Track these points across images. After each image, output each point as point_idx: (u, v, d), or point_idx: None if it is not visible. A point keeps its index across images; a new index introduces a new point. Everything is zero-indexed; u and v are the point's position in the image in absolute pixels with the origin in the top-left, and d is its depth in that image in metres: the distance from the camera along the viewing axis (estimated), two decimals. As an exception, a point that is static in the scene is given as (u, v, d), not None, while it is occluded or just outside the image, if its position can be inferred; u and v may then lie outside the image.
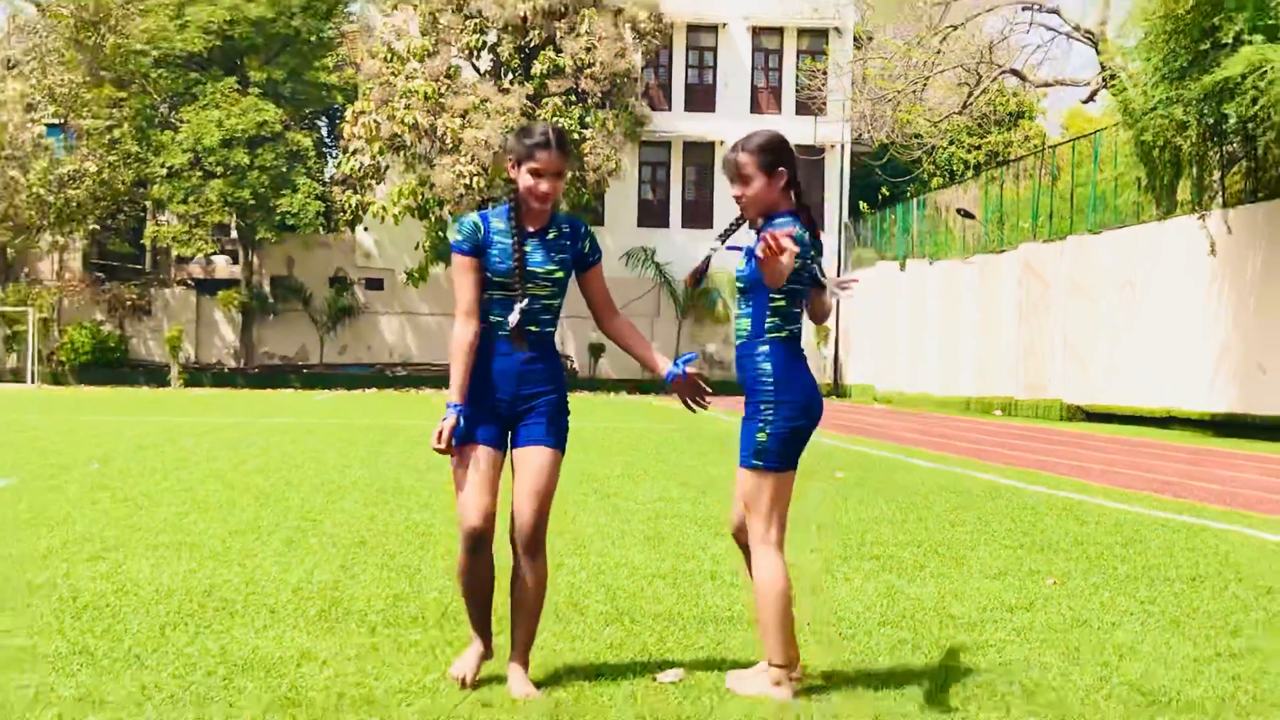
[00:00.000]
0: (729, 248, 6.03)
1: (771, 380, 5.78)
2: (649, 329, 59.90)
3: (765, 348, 5.79)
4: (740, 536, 5.96)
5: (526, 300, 5.69)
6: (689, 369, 5.85)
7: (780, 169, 5.83)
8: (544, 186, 5.68)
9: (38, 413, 30.10)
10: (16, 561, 8.62)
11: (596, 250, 5.95)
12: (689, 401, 5.91)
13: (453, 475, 5.77)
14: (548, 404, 5.82)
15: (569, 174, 5.77)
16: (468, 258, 5.72)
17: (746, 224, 6.01)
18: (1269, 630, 7.12)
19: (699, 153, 59.88)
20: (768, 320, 5.81)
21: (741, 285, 5.87)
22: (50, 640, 6.33)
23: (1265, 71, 24.97)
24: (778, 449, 5.74)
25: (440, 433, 5.59)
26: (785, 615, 5.65)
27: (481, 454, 5.73)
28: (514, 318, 5.67)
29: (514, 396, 5.76)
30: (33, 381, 56.98)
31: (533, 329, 5.77)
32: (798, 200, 5.92)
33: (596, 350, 57.62)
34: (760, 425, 5.78)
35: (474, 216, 5.78)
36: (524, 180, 5.69)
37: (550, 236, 5.82)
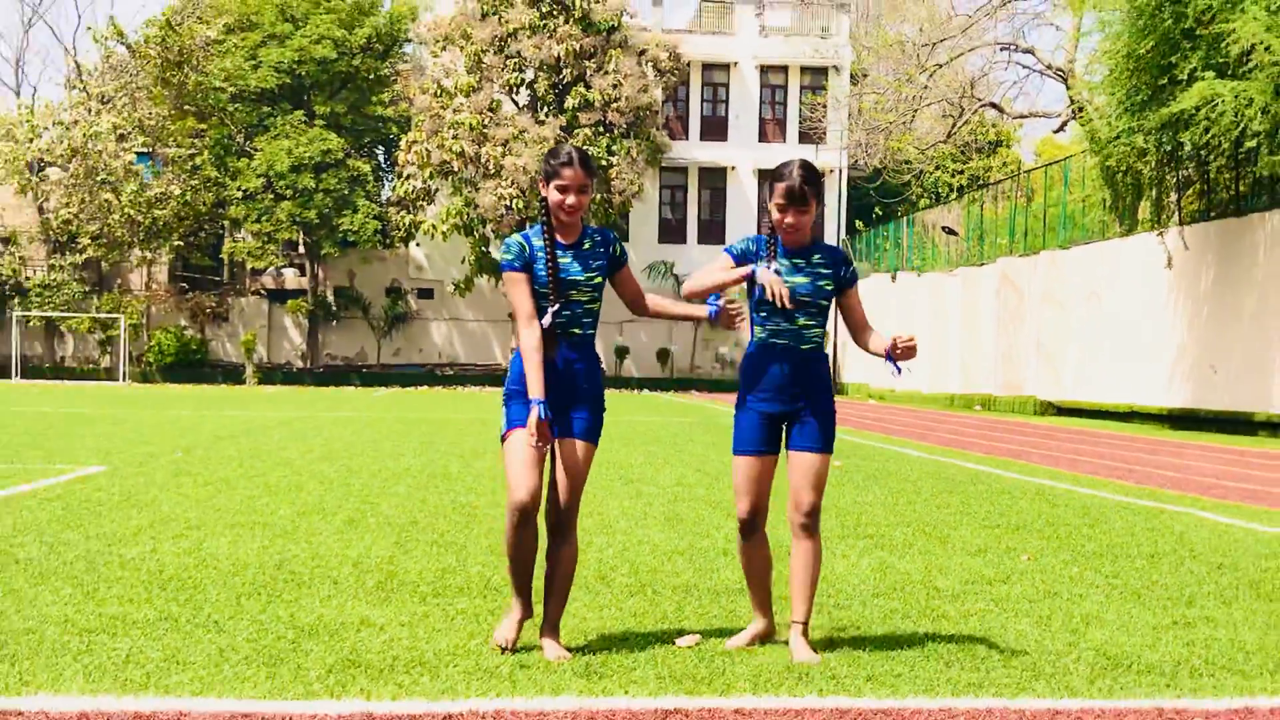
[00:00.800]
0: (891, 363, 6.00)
1: (830, 383, 5.90)
2: (668, 333, 59.95)
3: (826, 355, 5.90)
4: (797, 518, 5.89)
5: (558, 305, 5.68)
6: (720, 303, 5.83)
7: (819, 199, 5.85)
8: (570, 200, 5.65)
9: (128, 407, 30.19)
10: (110, 539, 8.64)
11: (625, 253, 5.96)
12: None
13: (505, 457, 5.78)
14: (587, 400, 5.82)
15: (593, 190, 5.76)
16: (518, 273, 5.70)
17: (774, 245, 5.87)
18: (1220, 601, 7.10)
19: (713, 177, 59.93)
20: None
21: (809, 299, 5.79)
22: (140, 608, 6.35)
23: (1216, 104, 24.90)
24: None
25: (532, 426, 5.60)
26: None
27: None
28: (546, 320, 5.68)
29: (558, 391, 5.75)
30: (124, 380, 57.20)
31: (575, 331, 5.76)
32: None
33: (622, 352, 57.65)
34: (832, 420, 5.90)
35: (518, 237, 5.77)
36: (553, 195, 5.68)
37: (585, 247, 5.79)
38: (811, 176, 5.72)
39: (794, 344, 5.82)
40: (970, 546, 9.05)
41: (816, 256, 5.83)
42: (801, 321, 5.81)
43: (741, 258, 5.86)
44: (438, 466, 14.86)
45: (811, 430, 5.87)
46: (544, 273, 5.68)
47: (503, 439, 5.83)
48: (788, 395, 5.86)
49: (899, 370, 6.06)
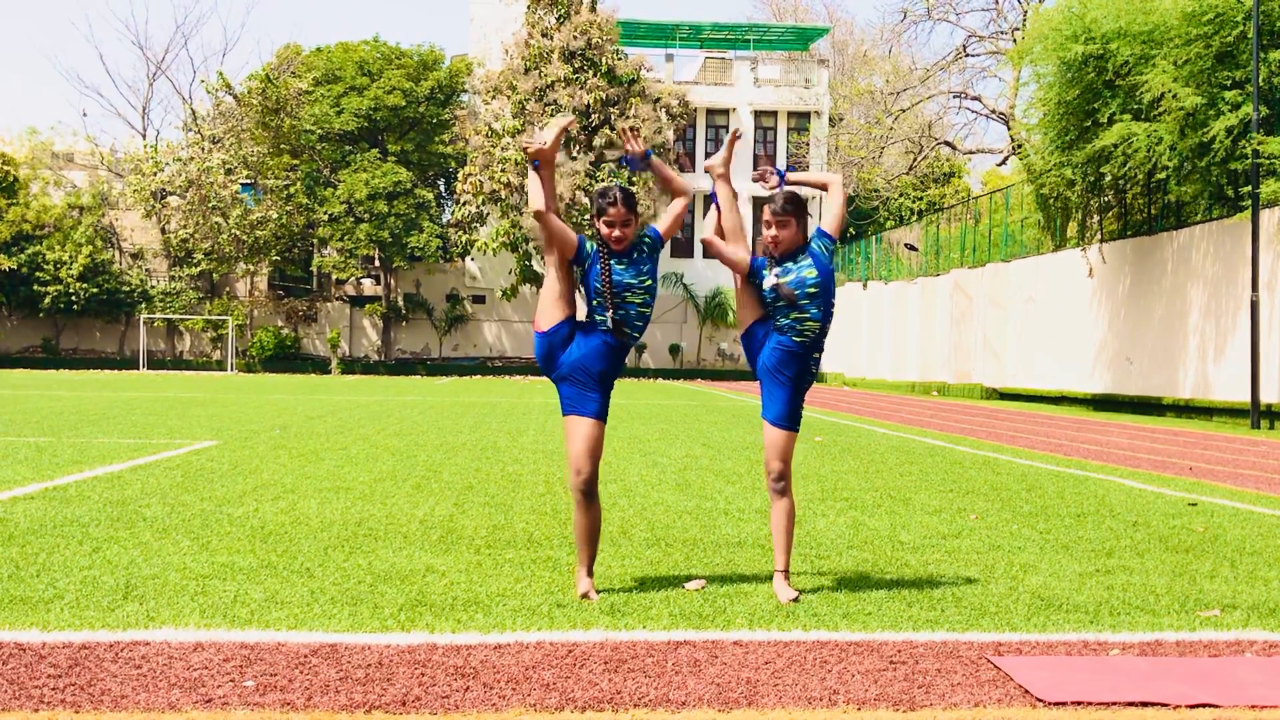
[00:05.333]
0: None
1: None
2: (678, 332, 59.96)
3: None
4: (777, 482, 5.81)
5: (613, 309, 5.63)
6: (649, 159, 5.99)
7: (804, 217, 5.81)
8: (615, 233, 5.63)
9: (234, 393, 30.29)
10: (220, 501, 8.68)
11: (653, 232, 5.82)
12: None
13: (566, 442, 5.71)
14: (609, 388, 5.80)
15: (637, 221, 5.71)
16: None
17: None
18: (1134, 553, 7.08)
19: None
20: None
21: (815, 290, 5.67)
22: (245, 558, 6.37)
23: (1132, 142, 24.86)
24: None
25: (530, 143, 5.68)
26: None
27: (588, 425, 5.65)
28: (610, 322, 5.66)
29: (606, 375, 5.70)
30: (230, 370, 57.38)
31: (625, 330, 5.67)
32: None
33: (639, 347, 57.58)
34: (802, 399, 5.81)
35: (590, 244, 5.72)
36: (602, 229, 5.64)
37: (634, 256, 5.69)
38: (790, 201, 5.74)
39: (792, 333, 5.73)
40: (928, 508, 9.04)
41: (802, 256, 5.75)
42: (795, 315, 5.69)
43: (755, 268, 5.82)
44: (489, 441, 14.88)
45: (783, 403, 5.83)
46: (597, 282, 5.63)
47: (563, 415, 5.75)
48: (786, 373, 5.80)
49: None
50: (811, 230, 5.85)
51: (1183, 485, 11.10)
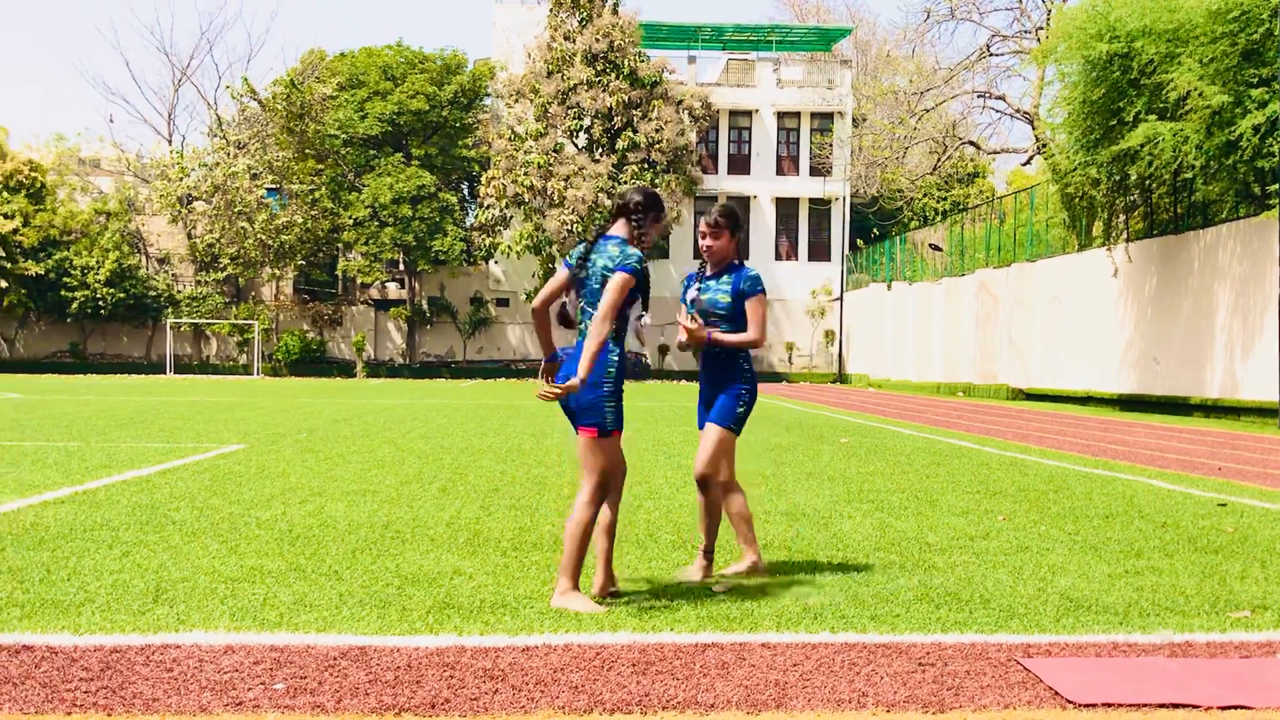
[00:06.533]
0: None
1: (750, 374, 6.18)
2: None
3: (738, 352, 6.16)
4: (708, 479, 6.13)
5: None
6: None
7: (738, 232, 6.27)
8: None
9: (261, 396, 30.43)
10: (248, 504, 8.72)
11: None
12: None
13: (608, 452, 5.62)
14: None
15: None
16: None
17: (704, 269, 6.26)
18: (1163, 554, 7.04)
19: (738, 205, 59.75)
20: None
21: (710, 309, 6.09)
22: (273, 561, 6.40)
23: (1158, 142, 24.71)
24: (745, 419, 6.17)
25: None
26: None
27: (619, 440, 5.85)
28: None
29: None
30: (257, 374, 57.64)
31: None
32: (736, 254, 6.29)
33: (664, 350, 57.57)
34: (740, 402, 6.11)
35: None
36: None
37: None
38: (725, 214, 6.15)
39: (709, 346, 6.10)
40: (955, 509, 9.01)
41: (725, 277, 6.16)
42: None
43: (684, 291, 6.34)
44: (514, 444, 14.91)
45: (716, 409, 6.13)
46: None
47: (608, 433, 5.50)
48: (709, 383, 6.19)
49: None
50: (748, 274, 6.16)
51: (1211, 485, 11.03)
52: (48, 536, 7.09)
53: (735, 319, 6.06)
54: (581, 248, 5.79)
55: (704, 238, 6.13)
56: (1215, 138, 23.96)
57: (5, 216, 56.16)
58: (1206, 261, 26.71)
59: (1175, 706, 4.00)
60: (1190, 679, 4.28)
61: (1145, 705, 4.00)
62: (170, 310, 59.27)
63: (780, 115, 60.22)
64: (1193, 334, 27.06)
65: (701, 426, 6.19)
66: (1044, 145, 38.22)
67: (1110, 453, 14.94)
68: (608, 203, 49.86)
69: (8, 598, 5.39)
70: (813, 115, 60.15)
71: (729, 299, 6.05)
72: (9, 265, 56.14)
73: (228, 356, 60.76)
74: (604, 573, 5.57)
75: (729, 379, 6.11)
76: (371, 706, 3.88)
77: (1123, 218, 31.03)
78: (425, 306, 60.28)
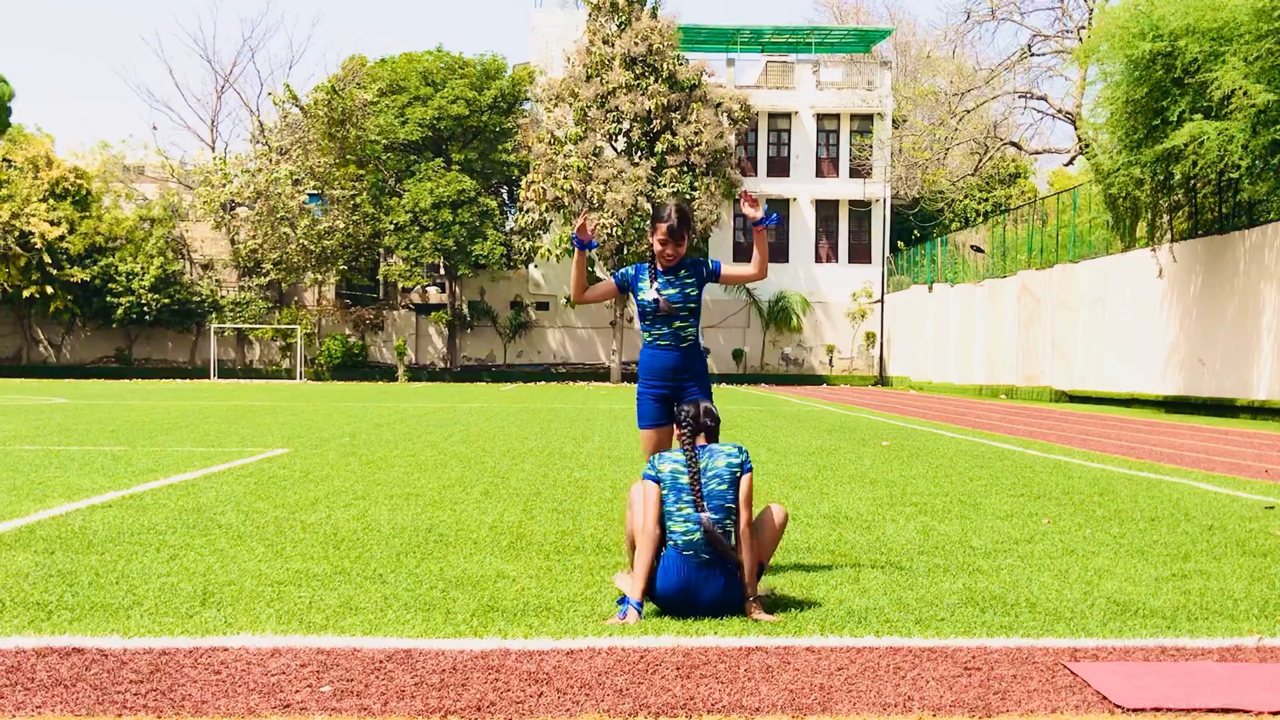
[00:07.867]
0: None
1: (706, 369, 6.29)
2: (741, 336, 59.88)
3: (702, 349, 6.28)
4: None
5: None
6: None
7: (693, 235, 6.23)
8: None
9: (304, 401, 30.62)
10: (293, 507, 8.78)
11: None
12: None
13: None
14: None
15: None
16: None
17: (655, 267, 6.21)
18: (1211, 557, 6.97)
19: (777, 208, 59.60)
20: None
21: (694, 307, 6.14)
22: (318, 564, 6.44)
23: (1203, 141, 24.48)
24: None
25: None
26: None
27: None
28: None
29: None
30: (299, 378, 58.02)
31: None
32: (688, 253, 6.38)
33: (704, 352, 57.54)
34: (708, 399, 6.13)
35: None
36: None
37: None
38: (684, 219, 6.08)
39: (674, 342, 6.13)
40: (999, 512, 8.96)
41: (683, 272, 6.15)
42: (677, 324, 6.14)
43: (621, 279, 6.28)
44: (555, 447, 14.93)
45: None
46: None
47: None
48: (673, 380, 6.16)
49: (774, 219, 6.15)
50: (700, 259, 6.21)
51: (1259, 488, 10.91)
52: (96, 540, 7.17)
53: (698, 310, 6.20)
54: (631, 269, 6.19)
55: (664, 245, 6.06)
56: (1261, 136, 23.71)
57: (52, 223, 56.82)
58: (1253, 261, 26.43)
59: (1225, 711, 3.96)
60: (1240, 683, 4.24)
61: (1195, 710, 3.96)
62: (214, 315, 59.80)
63: (820, 117, 60.07)
64: (1239, 335, 26.78)
65: (666, 422, 6.18)
66: (1086, 145, 37.91)
67: (1155, 455, 14.80)
68: (647, 206, 49.89)
69: (58, 601, 5.45)
70: (852, 117, 59.97)
71: (697, 290, 6.15)
72: (55, 272, 56.81)
73: (271, 361, 61.22)
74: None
75: (701, 374, 6.23)
76: (417, 709, 3.90)
77: (1167, 218, 30.75)
78: (466, 311, 60.51)
